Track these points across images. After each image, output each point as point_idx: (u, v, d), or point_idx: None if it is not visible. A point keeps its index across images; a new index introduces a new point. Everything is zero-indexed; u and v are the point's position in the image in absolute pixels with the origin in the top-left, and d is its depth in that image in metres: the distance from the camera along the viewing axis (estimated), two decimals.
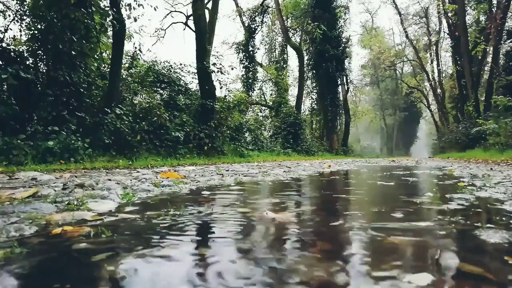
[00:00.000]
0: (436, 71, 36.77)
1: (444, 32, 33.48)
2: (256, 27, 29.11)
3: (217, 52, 16.76)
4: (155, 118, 10.38)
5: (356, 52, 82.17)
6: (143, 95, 12.60)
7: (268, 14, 29.82)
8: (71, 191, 2.43)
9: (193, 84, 15.69)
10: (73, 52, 8.09)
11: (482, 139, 15.99)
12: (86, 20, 8.31)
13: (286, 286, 0.79)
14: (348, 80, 32.31)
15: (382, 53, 40.06)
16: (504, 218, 1.53)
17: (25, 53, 8.22)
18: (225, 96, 16.32)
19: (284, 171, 5.50)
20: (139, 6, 10.33)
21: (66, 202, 1.86)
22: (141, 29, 22.10)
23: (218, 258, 0.98)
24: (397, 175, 4.77)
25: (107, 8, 9.30)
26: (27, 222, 1.41)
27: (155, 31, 26.19)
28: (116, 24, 9.35)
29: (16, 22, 8.63)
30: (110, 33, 10.58)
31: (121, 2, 9.99)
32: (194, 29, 15.24)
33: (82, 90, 8.30)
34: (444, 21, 31.42)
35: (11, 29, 8.64)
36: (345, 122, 31.33)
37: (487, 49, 22.62)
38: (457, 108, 28.00)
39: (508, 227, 1.33)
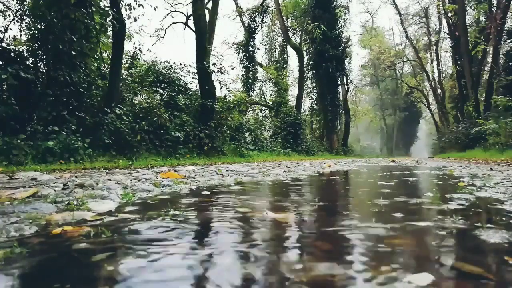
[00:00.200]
0: (436, 71, 36.81)
1: (444, 32, 33.52)
2: (256, 27, 29.12)
3: (217, 52, 16.79)
4: (155, 118, 10.38)
5: (356, 52, 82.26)
6: (143, 95, 12.61)
7: (268, 14, 29.82)
8: (71, 191, 2.43)
9: (193, 84, 15.72)
10: (73, 52, 8.09)
11: (482, 139, 15.99)
12: (86, 20, 8.31)
13: (286, 286, 0.79)
14: (348, 80, 32.33)
15: (382, 53, 40.06)
16: (504, 218, 1.53)
17: (25, 53, 8.22)
18: (225, 96, 16.33)
19: (284, 171, 5.50)
20: (139, 6, 10.33)
21: (66, 202, 1.86)
22: (141, 29, 22.12)
23: (218, 258, 0.98)
24: (397, 175, 4.77)
25: (107, 8, 9.30)
26: (27, 222, 1.41)
27: (155, 31, 26.21)
28: (116, 24, 9.35)
29: (16, 22, 8.64)
30: (110, 33, 10.58)
31: (121, 2, 9.99)
32: (194, 29, 15.24)
33: (82, 90, 8.30)
34: (444, 21, 31.45)
35: (11, 29, 8.65)
36: (345, 122, 31.33)
37: (487, 49, 22.62)
38: (457, 108, 28.01)
39: (508, 227, 1.33)
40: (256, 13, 28.72)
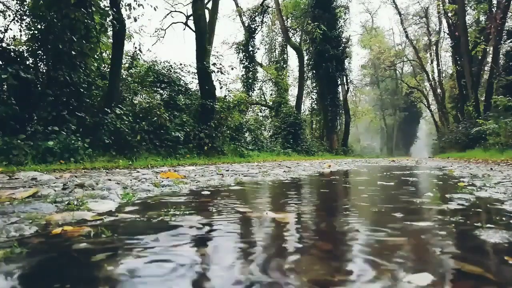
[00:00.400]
0: (436, 71, 36.81)
1: (444, 32, 33.51)
2: (256, 27, 29.12)
3: (217, 52, 16.78)
4: (155, 118, 10.38)
5: (356, 52, 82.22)
6: (143, 95, 12.60)
7: (268, 14, 29.82)
8: (71, 191, 2.43)
9: (193, 84, 15.71)
10: (73, 52, 8.09)
11: (482, 139, 15.99)
12: (86, 20, 8.31)
13: (286, 285, 0.79)
14: (348, 80, 32.32)
15: (382, 53, 40.05)
16: (504, 218, 1.53)
17: (25, 53, 8.22)
18: (225, 96, 16.32)
19: (284, 171, 5.50)
20: (139, 6, 10.33)
21: (66, 202, 1.86)
22: (141, 29, 22.12)
23: (218, 258, 0.98)
24: (397, 175, 4.77)
25: (107, 8, 9.29)
26: (27, 222, 1.41)
27: (155, 31, 26.21)
28: (116, 24, 9.35)
29: (16, 22, 8.64)
30: (110, 33, 10.58)
31: (121, 2, 9.99)
32: (194, 29, 15.24)
33: (82, 90, 8.29)
34: (444, 21, 31.44)
35: (11, 29, 8.65)
36: (345, 122, 31.33)
37: (487, 49, 22.61)
38: (457, 108, 28.01)
39: (508, 227, 1.33)
40: (256, 13, 28.72)
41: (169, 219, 1.53)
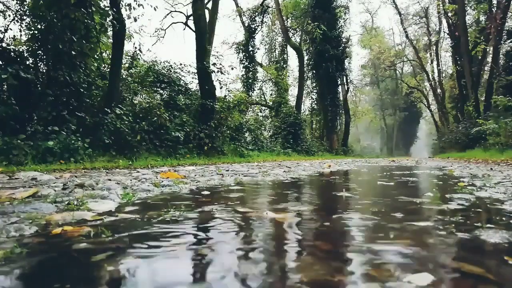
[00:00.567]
0: (436, 71, 36.81)
1: (444, 32, 33.52)
2: (256, 27, 29.12)
3: (217, 52, 16.78)
4: (155, 118, 10.38)
5: (356, 52, 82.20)
6: (143, 95, 12.60)
7: (268, 14, 29.82)
8: (71, 191, 2.43)
9: (193, 84, 15.71)
10: (73, 52, 8.08)
11: (482, 139, 15.99)
12: (86, 20, 8.31)
13: (286, 285, 0.79)
14: (348, 80, 32.32)
15: (382, 53, 40.06)
16: (504, 218, 1.53)
17: (25, 53, 8.22)
18: (225, 96, 16.32)
19: (284, 171, 5.50)
20: (139, 6, 10.33)
21: (66, 202, 1.86)
22: (141, 29, 22.12)
23: (218, 258, 0.98)
24: (397, 175, 4.77)
25: (107, 8, 9.29)
26: (27, 222, 1.41)
27: (155, 31, 26.21)
28: (116, 24, 9.35)
29: (16, 22, 8.64)
30: (110, 33, 10.58)
31: (121, 2, 9.99)
32: (194, 29, 15.24)
33: (82, 90, 8.29)
34: (444, 21, 31.45)
35: (11, 29, 8.64)
36: (345, 122, 31.33)
37: (487, 49, 22.62)
38: (457, 108, 28.01)
39: (508, 227, 1.33)
40: (256, 13, 28.72)
41: (169, 219, 1.53)
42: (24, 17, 8.65)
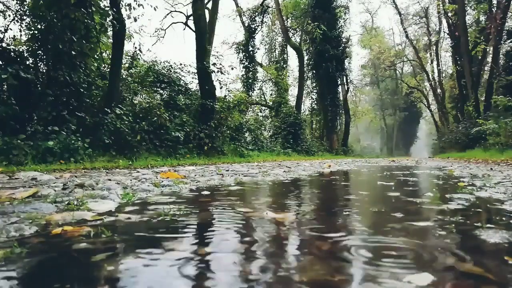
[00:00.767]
0: (436, 71, 36.81)
1: (444, 32, 33.52)
2: (256, 27, 29.11)
3: (217, 52, 16.78)
4: (155, 118, 10.38)
5: (356, 52, 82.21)
6: (143, 95, 12.60)
7: (268, 14, 29.81)
8: (71, 191, 2.43)
9: (193, 84, 15.71)
10: (73, 52, 8.08)
11: (482, 139, 15.99)
12: (86, 20, 8.31)
13: (286, 285, 0.79)
14: (348, 80, 32.31)
15: (382, 53, 40.05)
16: (504, 218, 1.53)
17: (25, 53, 8.22)
18: (225, 96, 16.32)
19: (284, 171, 5.50)
20: (139, 6, 10.33)
21: (66, 202, 1.86)
22: (141, 29, 22.12)
23: (218, 258, 0.98)
24: (397, 175, 4.77)
25: (107, 8, 9.29)
26: (27, 222, 1.41)
27: (155, 31, 26.20)
28: (116, 24, 9.35)
29: (16, 22, 8.64)
30: (110, 33, 10.58)
31: (121, 2, 9.98)
32: (194, 29, 15.24)
33: (82, 90, 8.29)
34: (444, 21, 31.45)
35: (11, 29, 8.65)
36: (345, 122, 31.33)
37: (487, 49, 22.62)
38: (457, 108, 28.01)
39: (508, 227, 1.33)
40: (256, 13, 28.71)
41: (169, 219, 1.53)
42: (24, 17, 8.65)
